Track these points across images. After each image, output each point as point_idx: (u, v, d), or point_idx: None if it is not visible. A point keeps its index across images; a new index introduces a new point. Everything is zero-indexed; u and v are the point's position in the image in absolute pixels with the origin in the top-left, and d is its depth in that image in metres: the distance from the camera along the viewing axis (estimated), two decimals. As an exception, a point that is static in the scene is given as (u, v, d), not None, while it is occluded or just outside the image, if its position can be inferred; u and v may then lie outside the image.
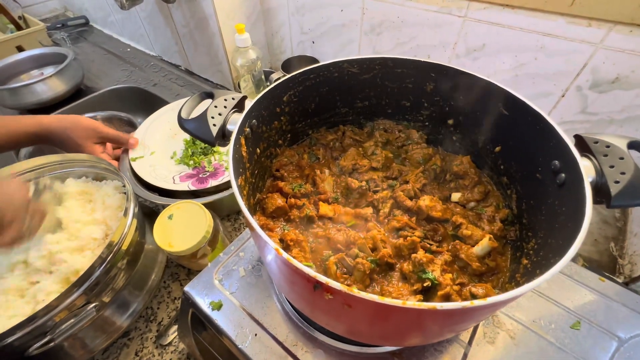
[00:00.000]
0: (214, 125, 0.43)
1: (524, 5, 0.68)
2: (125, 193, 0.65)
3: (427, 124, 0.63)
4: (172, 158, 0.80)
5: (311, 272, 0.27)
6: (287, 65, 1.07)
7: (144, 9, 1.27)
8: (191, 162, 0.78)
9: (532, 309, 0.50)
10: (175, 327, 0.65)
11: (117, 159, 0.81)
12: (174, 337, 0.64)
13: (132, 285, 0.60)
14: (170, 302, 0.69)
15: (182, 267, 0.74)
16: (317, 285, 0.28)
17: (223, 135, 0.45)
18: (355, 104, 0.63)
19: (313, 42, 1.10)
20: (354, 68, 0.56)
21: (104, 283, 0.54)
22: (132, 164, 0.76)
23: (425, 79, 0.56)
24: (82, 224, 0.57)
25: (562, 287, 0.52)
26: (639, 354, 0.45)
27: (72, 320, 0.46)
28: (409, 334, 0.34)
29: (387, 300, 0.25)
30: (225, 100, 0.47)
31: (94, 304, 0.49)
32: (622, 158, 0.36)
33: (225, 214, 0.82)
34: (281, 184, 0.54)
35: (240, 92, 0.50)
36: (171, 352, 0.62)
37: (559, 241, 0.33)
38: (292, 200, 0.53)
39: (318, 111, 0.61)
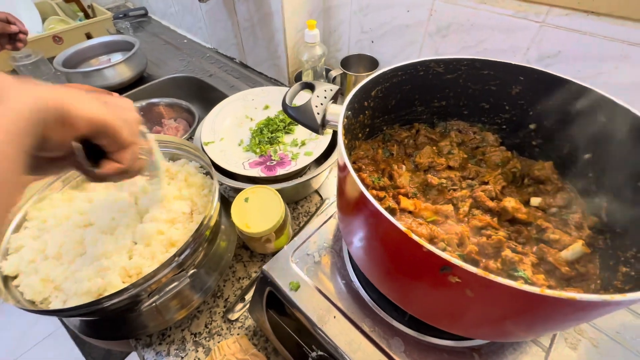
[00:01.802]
0: (318, 113, 0.46)
1: (611, 12, 0.66)
2: (205, 174, 0.69)
3: (504, 127, 0.62)
4: (239, 145, 0.84)
5: (444, 254, 0.29)
6: (345, 63, 1.09)
7: (207, 2, 1.33)
8: (257, 150, 0.81)
9: (615, 319, 0.49)
10: (241, 305, 0.68)
11: None
12: (241, 314, 0.67)
13: (209, 262, 0.64)
14: (235, 281, 0.73)
15: (245, 249, 0.78)
16: (445, 267, 0.30)
17: (323, 125, 0.47)
18: (432, 103, 0.64)
19: (372, 42, 1.11)
20: (440, 67, 0.57)
21: (193, 258, 0.58)
22: (205, 148, 0.80)
23: (512, 82, 0.56)
24: (173, 198, 0.61)
25: (646, 301, 0.51)
26: None
27: (174, 284, 0.50)
28: (519, 327, 0.35)
29: (526, 287, 0.26)
30: (325, 91, 0.49)
31: (192, 271, 0.52)
32: None
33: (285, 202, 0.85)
34: (363, 175, 0.56)
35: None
36: (238, 328, 0.65)
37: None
38: (373, 191, 0.55)
39: (396, 108, 0.63)
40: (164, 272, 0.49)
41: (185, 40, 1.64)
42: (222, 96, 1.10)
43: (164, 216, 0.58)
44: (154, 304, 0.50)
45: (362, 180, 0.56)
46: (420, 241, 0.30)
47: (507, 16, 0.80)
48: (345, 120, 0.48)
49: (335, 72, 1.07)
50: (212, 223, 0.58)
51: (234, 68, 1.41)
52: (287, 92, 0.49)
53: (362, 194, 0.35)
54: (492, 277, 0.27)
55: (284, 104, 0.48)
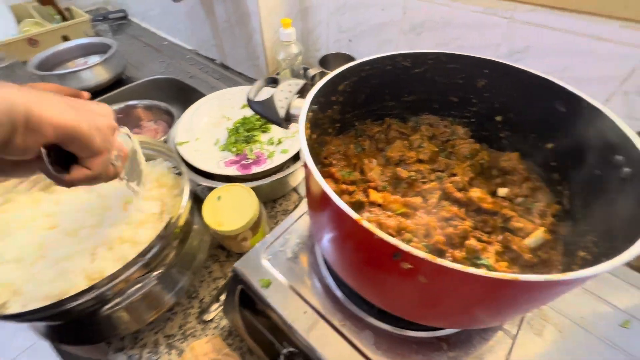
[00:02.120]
0: (282, 107, 0.46)
1: (575, 8, 0.68)
2: (177, 174, 0.68)
3: (473, 120, 0.63)
4: (215, 144, 0.83)
5: (394, 240, 0.29)
6: (323, 62, 1.09)
7: (186, 4, 1.32)
8: (234, 149, 0.81)
9: (579, 305, 0.50)
10: (216, 305, 0.67)
11: None
12: (216, 314, 0.66)
13: (181, 263, 0.63)
14: (211, 281, 0.72)
15: (222, 249, 0.77)
16: (397, 253, 0.30)
17: (287, 118, 0.47)
18: (403, 97, 0.65)
19: (350, 41, 1.12)
20: (406, 62, 0.58)
21: (161, 258, 0.57)
22: (179, 148, 0.79)
23: (477, 75, 0.57)
24: (142, 199, 0.60)
25: (610, 285, 0.52)
26: (692, 356, 0.44)
27: (138, 286, 0.49)
28: (477, 312, 0.35)
29: (472, 270, 0.27)
30: (290, 85, 0.49)
31: (157, 272, 0.51)
32: (692, 154, 0.36)
33: (262, 201, 0.85)
34: (333, 169, 0.56)
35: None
36: (213, 328, 0.64)
37: (624, 233, 0.34)
38: (343, 186, 0.55)
39: (367, 103, 0.63)
40: (127, 273, 0.48)
41: (165, 42, 1.63)
42: (202, 97, 1.09)
43: (131, 218, 0.56)
44: (119, 306, 0.49)
45: (332, 175, 0.56)
46: (370, 228, 0.30)
47: (477, 13, 0.81)
48: (311, 114, 0.48)
49: (313, 71, 1.07)
50: (181, 223, 0.57)
51: (215, 69, 1.40)
52: (251, 87, 0.49)
53: (317, 184, 0.35)
54: (439, 260, 0.27)
55: (248, 98, 0.47)
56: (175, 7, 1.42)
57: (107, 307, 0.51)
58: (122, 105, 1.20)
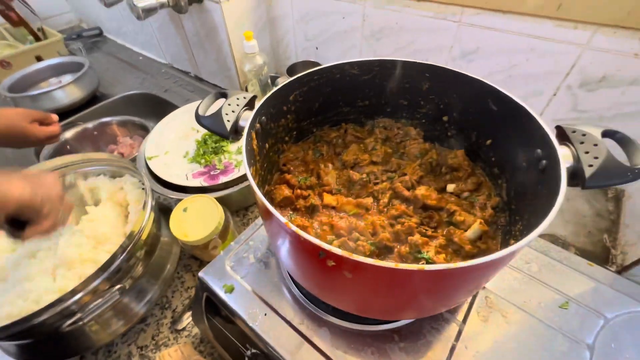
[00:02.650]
0: (228, 121, 0.48)
1: (513, 9, 0.72)
2: (143, 189, 0.70)
3: (424, 121, 0.67)
4: (184, 157, 0.85)
5: (315, 240, 0.32)
6: (292, 70, 1.12)
7: (156, 19, 1.34)
8: (202, 161, 0.83)
9: (524, 291, 0.53)
10: (189, 314, 0.69)
11: (53, 136, 0.82)
12: (188, 323, 0.68)
13: (149, 275, 0.65)
14: (184, 291, 0.73)
15: (195, 259, 0.78)
16: (321, 252, 0.32)
17: (236, 131, 0.50)
18: (357, 103, 0.68)
19: (317, 48, 1.15)
20: (354, 69, 0.61)
21: (125, 270, 0.59)
22: (148, 162, 0.81)
23: (421, 79, 0.60)
24: (105, 216, 0.62)
25: (553, 271, 0.55)
26: (623, 330, 0.48)
27: (99, 301, 0.51)
28: (406, 302, 0.38)
29: (382, 263, 0.29)
30: (238, 99, 0.51)
31: (118, 287, 0.53)
32: (596, 145, 0.39)
33: (234, 209, 0.87)
34: (288, 176, 0.59)
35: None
36: (185, 337, 0.66)
37: (540, 219, 0.37)
38: (298, 191, 0.57)
39: (322, 110, 0.66)
40: (90, 287, 0.49)
41: (140, 58, 1.65)
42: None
43: (89, 236, 0.58)
44: (88, 320, 0.50)
45: (287, 181, 0.59)
46: (297, 231, 0.32)
47: (428, 18, 0.85)
48: (259, 125, 0.51)
49: (282, 80, 1.10)
50: (145, 236, 0.59)
51: (189, 82, 1.42)
52: (200, 102, 0.51)
53: (253, 190, 0.37)
54: (354, 256, 0.30)
55: (196, 114, 0.50)
56: (146, 22, 1.44)
57: (73, 321, 0.52)
58: (96, 122, 1.21)
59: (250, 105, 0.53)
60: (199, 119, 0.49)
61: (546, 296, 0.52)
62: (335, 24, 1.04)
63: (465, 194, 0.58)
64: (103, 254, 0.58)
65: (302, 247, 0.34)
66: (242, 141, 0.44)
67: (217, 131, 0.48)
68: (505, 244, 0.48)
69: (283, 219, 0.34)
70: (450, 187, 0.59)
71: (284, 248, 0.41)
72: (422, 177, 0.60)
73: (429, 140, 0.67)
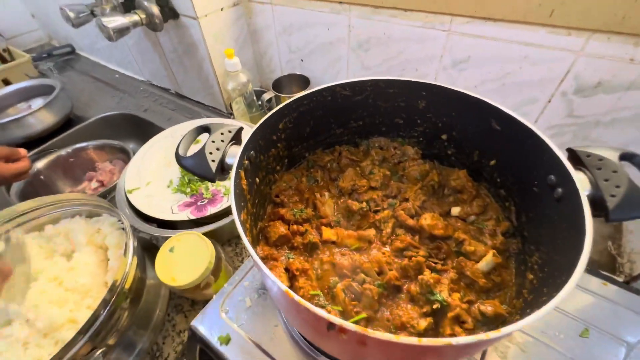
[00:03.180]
0: (213, 160, 0.43)
1: (504, 17, 0.70)
2: (123, 229, 0.64)
3: (421, 139, 0.63)
4: (168, 187, 0.79)
5: (324, 313, 0.27)
6: (277, 85, 1.08)
7: (131, 36, 1.27)
8: (188, 190, 0.78)
9: (541, 320, 0.50)
10: (182, 362, 0.63)
11: (22, 173, 0.75)
12: (182, 373, 0.62)
13: (136, 325, 0.59)
14: (176, 335, 0.68)
15: (186, 298, 0.73)
16: (330, 325, 0.28)
17: (222, 169, 0.45)
18: (350, 124, 0.64)
19: (302, 60, 1.11)
20: (346, 91, 0.57)
21: (109, 326, 0.53)
22: (129, 196, 0.75)
23: (417, 97, 0.57)
24: (86, 264, 0.56)
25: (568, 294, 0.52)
26: (648, 358, 0.45)
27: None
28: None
29: (404, 339, 0.25)
30: (222, 134, 0.47)
31: (100, 350, 0.47)
32: (615, 171, 0.37)
33: (226, 239, 0.82)
34: (282, 210, 0.54)
35: (233, 116, 0.50)
36: (180, 389, 0.61)
37: (563, 259, 0.34)
38: (295, 226, 0.53)
39: (313, 134, 0.62)
40: (69, 355, 0.44)
41: (117, 75, 1.57)
42: (159, 131, 1.04)
43: (69, 289, 0.52)
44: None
45: (282, 217, 0.54)
46: (301, 301, 0.28)
47: (417, 27, 0.82)
48: (247, 162, 0.46)
49: (267, 95, 1.06)
50: (128, 284, 0.54)
51: (170, 100, 1.36)
52: (180, 140, 0.46)
53: (257, 264, 0.33)
54: (370, 332, 0.26)
55: (176, 155, 0.45)
56: (122, 40, 1.36)
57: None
58: (70, 149, 1.13)
59: (236, 139, 0.49)
60: (179, 160, 0.44)
61: (564, 324, 0.49)
62: (319, 35, 1.00)
63: (472, 218, 0.54)
64: (83, 311, 0.52)
65: (308, 316, 0.30)
66: (231, 185, 0.39)
67: (201, 174, 0.43)
68: (521, 275, 0.45)
69: (284, 287, 0.29)
70: (455, 211, 0.56)
71: (287, 309, 0.36)
72: (425, 201, 0.57)
73: (428, 158, 0.64)
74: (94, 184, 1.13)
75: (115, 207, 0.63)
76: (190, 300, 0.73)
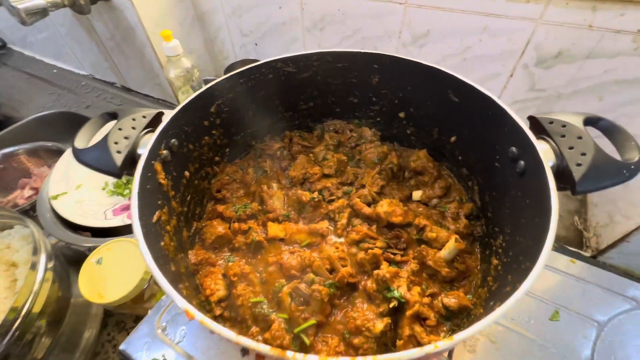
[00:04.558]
0: (118, 152, 0.35)
1: (461, -15, 0.65)
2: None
3: (378, 119, 0.58)
4: (103, 189, 0.70)
5: (232, 335, 0.21)
6: (230, 71, 0.99)
7: (62, 24, 1.13)
8: (126, 192, 0.68)
9: (503, 315, 0.46)
10: (123, 388, 0.55)
11: None
12: (123, 401, 0.54)
13: (59, 349, 0.50)
14: (116, 357, 0.59)
15: (129, 314, 0.64)
16: (244, 350, 0.22)
17: (133, 162, 0.37)
18: (299, 106, 0.57)
19: (256, 44, 1.03)
20: (289, 67, 0.50)
21: (18, 355, 0.44)
22: (53, 202, 0.65)
23: (369, 72, 0.51)
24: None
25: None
26: (618, 337, 0.43)
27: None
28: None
29: (330, 362, 0.19)
30: (134, 120, 0.39)
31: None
32: (580, 137, 0.32)
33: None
34: (221, 207, 0.47)
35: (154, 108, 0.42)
36: (120, 420, 0.53)
37: (528, 241, 0.30)
38: (236, 224, 0.46)
39: (258, 119, 0.55)
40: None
41: (55, 70, 1.41)
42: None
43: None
44: None
45: (221, 214, 0.47)
46: (202, 321, 0.22)
47: (373, 1, 0.76)
48: (166, 152, 0.38)
49: (219, 83, 0.97)
50: (38, 307, 0.45)
51: (115, 94, 1.23)
52: (79, 130, 0.38)
53: (156, 278, 0.26)
54: (286, 355, 0.20)
55: (72, 148, 0.36)
56: (54, 28, 1.22)
57: None
58: (-2, 154, 0.99)
59: (154, 125, 0.40)
60: (76, 154, 0.36)
61: (534, 308, 0.46)
62: (271, 15, 0.92)
63: (435, 201, 0.50)
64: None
65: (221, 339, 0.23)
66: (134, 180, 0.32)
67: (102, 168, 0.35)
68: (486, 261, 0.41)
69: (182, 304, 0.22)
70: (417, 195, 0.51)
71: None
72: (384, 187, 0.51)
73: (387, 140, 0.59)
74: (28, 192, 0.99)
75: (28, 217, 0.53)
76: (133, 316, 0.64)
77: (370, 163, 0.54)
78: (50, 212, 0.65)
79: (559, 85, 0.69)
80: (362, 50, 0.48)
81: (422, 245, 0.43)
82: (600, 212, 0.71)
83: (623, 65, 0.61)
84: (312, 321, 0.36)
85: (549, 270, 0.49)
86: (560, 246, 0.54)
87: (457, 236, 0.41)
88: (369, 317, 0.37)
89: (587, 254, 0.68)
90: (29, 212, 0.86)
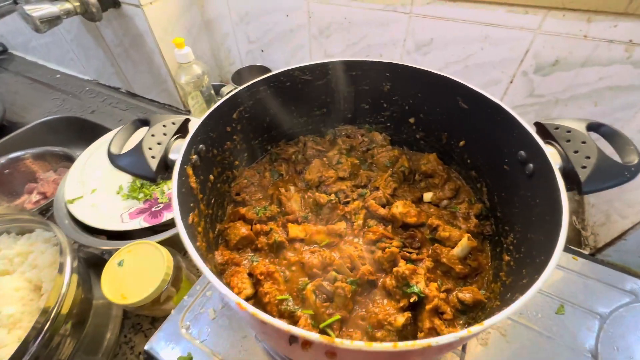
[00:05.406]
0: (153, 157, 0.37)
1: (464, -3, 0.69)
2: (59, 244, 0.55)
3: (389, 124, 0.61)
4: (118, 193, 0.71)
5: (283, 325, 0.23)
6: (237, 77, 1.01)
7: (69, 30, 1.15)
8: (141, 195, 0.70)
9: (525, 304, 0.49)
10: (143, 388, 0.56)
11: None
12: (143, 400, 0.55)
13: (83, 351, 0.51)
14: (135, 358, 0.60)
15: (145, 316, 0.65)
16: (292, 338, 0.24)
17: (166, 167, 0.39)
18: (313, 112, 0.60)
19: (262, 51, 1.05)
20: (306, 75, 0.53)
21: (45, 357, 0.45)
22: (69, 207, 0.66)
23: (381, 80, 0.54)
24: (12, 290, 0.47)
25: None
26: (619, 328, 0.45)
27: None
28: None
29: (376, 347, 0.21)
30: (165, 126, 0.41)
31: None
32: (584, 142, 0.35)
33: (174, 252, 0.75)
34: (243, 210, 0.49)
35: (190, 114, 0.44)
36: (142, 418, 0.54)
37: (540, 236, 0.32)
38: (258, 226, 0.48)
39: (274, 124, 0.57)
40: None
41: (58, 76, 1.41)
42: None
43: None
44: None
45: (243, 216, 0.49)
46: (255, 313, 0.24)
47: (378, 11, 0.79)
48: (195, 156, 0.41)
49: (227, 89, 0.99)
50: (66, 309, 0.46)
51: (121, 99, 1.24)
52: (113, 136, 0.40)
53: (203, 272, 0.27)
54: (337, 343, 0.22)
55: (109, 153, 0.38)
56: (59, 34, 1.23)
57: None
58: (5, 159, 1.00)
59: (183, 131, 0.43)
60: (112, 159, 0.38)
61: (541, 303, 0.48)
62: (278, 23, 0.95)
63: (445, 202, 0.52)
64: (12, 344, 0.44)
65: (268, 329, 0.26)
66: (173, 183, 0.34)
67: (138, 172, 0.37)
68: (497, 258, 0.43)
69: (235, 298, 0.24)
70: (428, 196, 0.53)
71: (252, 327, 0.31)
72: (396, 189, 0.54)
73: (397, 145, 0.62)
74: (35, 197, 1.00)
75: (52, 221, 0.55)
76: (150, 317, 0.66)
77: (382, 166, 0.57)
78: (68, 216, 0.66)
79: (557, 92, 0.73)
80: (376, 60, 0.51)
81: (436, 244, 0.46)
82: (597, 211, 0.74)
83: (617, 73, 0.65)
84: (337, 316, 0.38)
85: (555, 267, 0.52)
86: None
87: (469, 235, 0.44)
88: (389, 312, 0.39)
89: (586, 252, 0.71)
90: (40, 215, 0.87)
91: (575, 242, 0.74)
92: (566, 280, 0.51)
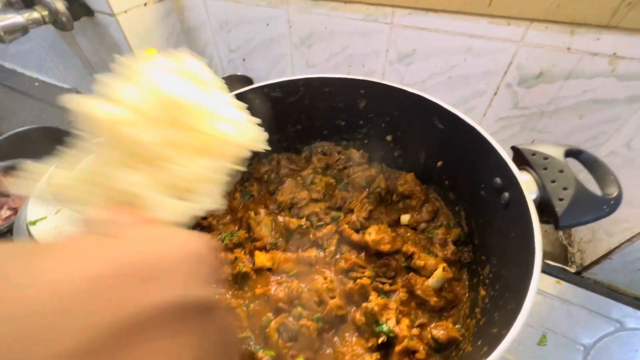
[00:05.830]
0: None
1: (445, 8, 0.66)
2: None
3: (366, 141, 0.58)
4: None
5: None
6: (218, 87, 0.98)
7: (44, 38, 1.11)
8: (110, 215, 0.66)
9: None
10: None
11: None
12: None
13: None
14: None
15: None
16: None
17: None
18: (287, 129, 0.57)
19: (244, 60, 1.02)
20: (276, 92, 0.50)
21: None
22: (31, 229, 0.62)
23: (355, 96, 0.51)
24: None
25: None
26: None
27: None
28: None
29: None
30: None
31: None
32: (561, 171, 0.33)
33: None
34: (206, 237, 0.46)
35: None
36: None
37: (514, 277, 0.30)
38: (222, 255, 0.45)
39: (245, 143, 0.54)
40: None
41: (36, 84, 1.37)
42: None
43: None
44: None
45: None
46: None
47: (359, 21, 0.77)
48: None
49: (206, 100, 0.96)
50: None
51: (100, 108, 1.20)
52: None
53: None
54: None
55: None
56: (36, 41, 1.19)
57: None
58: (-27, 174, 0.95)
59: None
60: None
61: (522, 333, 0.46)
62: (259, 31, 0.92)
63: (422, 225, 0.50)
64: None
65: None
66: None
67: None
68: (474, 289, 0.41)
69: None
70: (405, 219, 0.51)
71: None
72: (372, 211, 0.51)
73: (376, 161, 0.59)
74: (6, 212, 0.96)
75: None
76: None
77: (358, 186, 0.54)
78: (28, 239, 0.62)
79: (542, 104, 0.71)
80: (348, 77, 0.48)
81: (411, 273, 0.43)
82: (584, 228, 0.72)
83: (600, 86, 0.63)
84: (301, 358, 0.35)
85: (536, 293, 0.50)
86: (545, 265, 0.55)
87: (445, 264, 0.41)
88: (358, 352, 0.36)
89: (572, 269, 0.69)
90: (7, 234, 0.83)
91: (562, 258, 0.72)
92: (549, 308, 0.48)
